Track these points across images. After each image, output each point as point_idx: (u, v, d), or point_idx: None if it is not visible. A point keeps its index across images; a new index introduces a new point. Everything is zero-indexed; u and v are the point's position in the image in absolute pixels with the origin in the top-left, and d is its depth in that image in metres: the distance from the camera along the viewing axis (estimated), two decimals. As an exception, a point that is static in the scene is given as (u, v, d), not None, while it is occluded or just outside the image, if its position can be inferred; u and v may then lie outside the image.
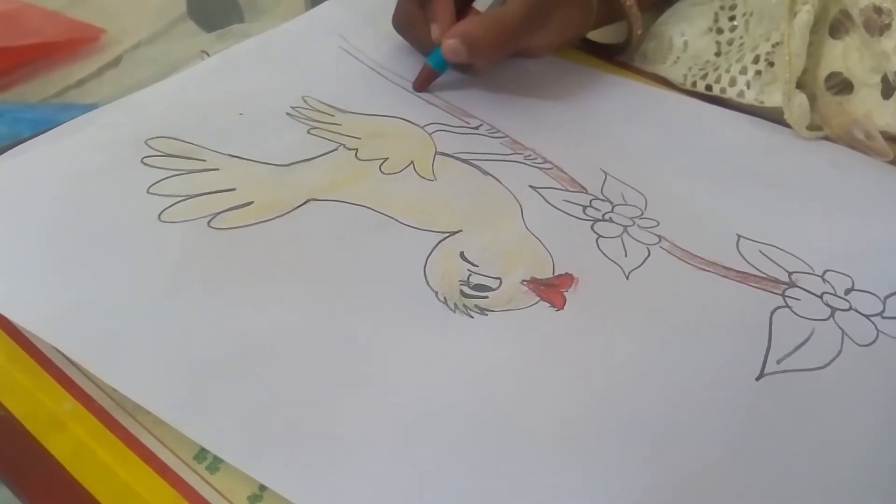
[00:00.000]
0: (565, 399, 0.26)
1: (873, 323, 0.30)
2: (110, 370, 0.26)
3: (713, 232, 0.34)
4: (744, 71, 0.41)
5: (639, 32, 0.45)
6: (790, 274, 0.32)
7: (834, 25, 0.39)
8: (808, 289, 0.31)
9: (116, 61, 0.51)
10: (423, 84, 0.42)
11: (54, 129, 0.36)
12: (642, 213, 0.35)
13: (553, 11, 0.40)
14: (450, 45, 0.39)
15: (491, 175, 0.36)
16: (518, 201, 0.35)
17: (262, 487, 0.24)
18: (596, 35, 0.47)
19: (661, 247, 0.33)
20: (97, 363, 0.26)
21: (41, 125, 0.36)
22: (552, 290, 0.30)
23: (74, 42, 0.52)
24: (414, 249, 0.31)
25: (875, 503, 0.25)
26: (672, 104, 0.42)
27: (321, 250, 0.31)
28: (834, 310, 0.30)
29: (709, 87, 0.42)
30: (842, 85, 0.39)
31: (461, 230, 0.33)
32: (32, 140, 0.35)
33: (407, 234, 0.32)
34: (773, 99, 0.40)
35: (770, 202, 0.36)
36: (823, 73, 0.39)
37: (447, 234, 0.32)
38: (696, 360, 0.28)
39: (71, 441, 0.25)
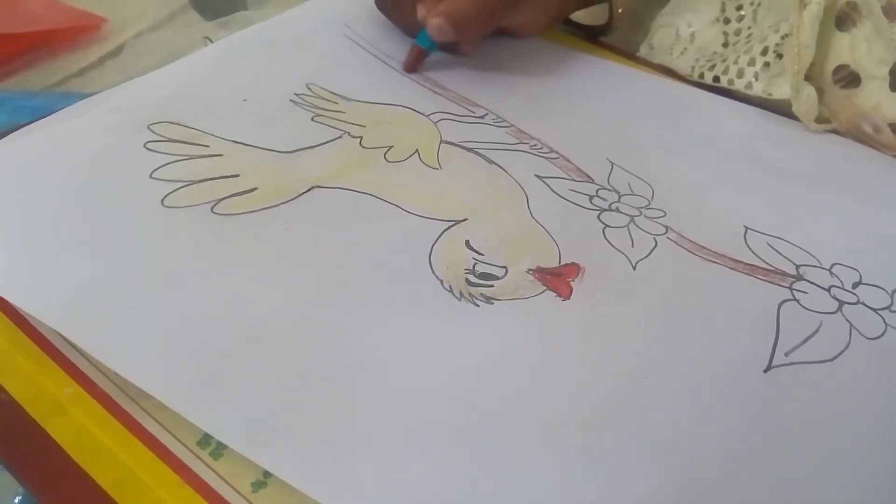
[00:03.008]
0: (571, 388, 0.26)
1: (881, 316, 0.30)
2: (113, 355, 0.25)
3: (720, 223, 0.34)
4: (752, 62, 0.40)
5: (619, 11, 0.44)
6: (798, 267, 0.32)
7: (840, 17, 0.38)
8: (815, 282, 0.31)
9: (118, 50, 0.51)
10: (413, 65, 0.42)
11: (56, 113, 0.35)
12: (649, 204, 0.34)
13: None
14: (435, 24, 0.39)
15: (497, 164, 0.36)
16: (524, 190, 0.34)
17: (267, 474, 0.23)
18: (581, 17, 0.47)
19: (668, 237, 0.33)
20: (100, 348, 0.26)
21: (42, 114, 0.36)
22: (558, 279, 0.30)
23: (76, 30, 0.52)
24: (419, 237, 0.31)
25: (882, 497, 0.25)
26: (679, 95, 0.42)
27: (325, 238, 0.31)
28: (842, 303, 0.30)
29: (716, 79, 0.42)
30: (849, 78, 0.38)
31: (467, 219, 0.32)
32: (34, 124, 0.35)
33: (412, 222, 0.32)
34: (782, 91, 0.39)
35: (778, 194, 0.36)
36: (831, 65, 0.39)
37: (452, 223, 0.32)
38: (704, 352, 0.28)
39: (73, 426, 0.25)
